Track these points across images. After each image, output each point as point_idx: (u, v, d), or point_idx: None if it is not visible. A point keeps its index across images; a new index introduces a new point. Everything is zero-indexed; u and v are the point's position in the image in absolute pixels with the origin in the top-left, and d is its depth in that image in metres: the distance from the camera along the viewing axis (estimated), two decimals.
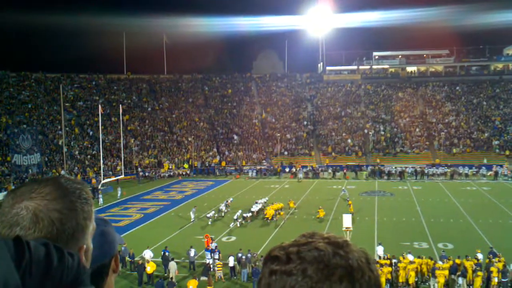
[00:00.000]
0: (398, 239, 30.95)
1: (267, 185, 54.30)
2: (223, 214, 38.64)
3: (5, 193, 47.94)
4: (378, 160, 66.34)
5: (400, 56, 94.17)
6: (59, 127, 64.64)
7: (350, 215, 30.91)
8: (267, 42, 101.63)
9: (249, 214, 37.35)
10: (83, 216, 1.20)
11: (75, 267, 0.68)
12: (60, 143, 62.39)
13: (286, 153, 71.28)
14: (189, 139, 72.30)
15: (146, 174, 62.35)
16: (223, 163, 68.17)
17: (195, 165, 67.40)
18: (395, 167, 61.47)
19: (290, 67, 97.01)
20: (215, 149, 71.79)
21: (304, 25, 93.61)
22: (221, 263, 25.99)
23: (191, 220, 37.20)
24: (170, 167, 65.74)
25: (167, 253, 26.75)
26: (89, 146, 66.31)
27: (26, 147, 58.87)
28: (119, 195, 48.29)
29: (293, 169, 62.85)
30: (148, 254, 27.04)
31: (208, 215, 37.23)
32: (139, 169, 62.95)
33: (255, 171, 63.92)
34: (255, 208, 38.65)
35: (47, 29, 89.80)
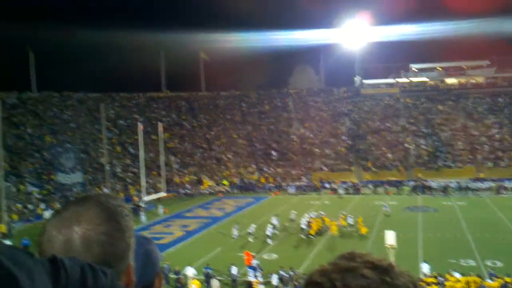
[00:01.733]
0: (444, 256, 30.21)
1: (307, 201, 53.97)
2: (277, 230, 38.39)
3: (50, 211, 49.13)
4: (420, 175, 65.08)
5: (439, 68, 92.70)
6: (101, 145, 65.96)
7: (394, 232, 30.41)
8: (303, 56, 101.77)
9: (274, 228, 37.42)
10: (129, 234, 1.22)
11: (109, 285, 0.69)
12: (102, 161, 63.62)
13: (325, 168, 70.81)
14: (228, 155, 72.69)
15: (187, 191, 62.88)
16: (262, 180, 68.20)
17: (235, 181, 67.64)
18: (438, 182, 60.23)
19: (327, 82, 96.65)
20: (254, 166, 71.94)
21: (340, 39, 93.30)
22: (260, 281, 25.88)
23: (233, 236, 37.24)
24: (210, 184, 66.15)
25: (209, 271, 26.84)
26: (131, 164, 67.43)
27: (69, 166, 60.36)
28: (161, 212, 48.80)
29: (333, 185, 62.36)
30: (190, 271, 27.15)
31: (250, 231, 37.19)
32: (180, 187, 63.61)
33: (294, 187, 63.69)
34: (303, 223, 38.43)
35: (87, 49, 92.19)
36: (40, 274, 0.56)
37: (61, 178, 57.86)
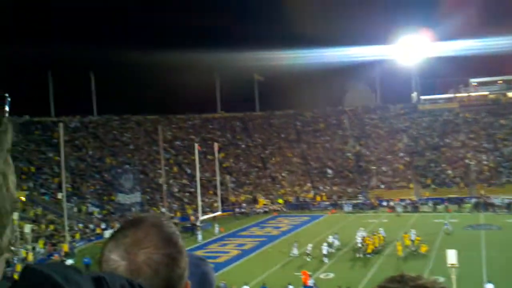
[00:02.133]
0: (510, 276, 28.81)
1: (364, 220, 52.92)
2: (333, 249, 37.91)
3: (110, 231, 50.40)
4: (482, 192, 62.64)
5: (500, 82, 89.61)
6: (158, 166, 67.31)
7: (455, 251, 29.28)
8: (358, 73, 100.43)
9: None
10: (185, 254, 1.24)
11: None
12: (160, 181, 64.86)
13: (382, 186, 69.42)
14: (283, 174, 72.58)
15: (242, 210, 63.13)
16: (318, 198, 67.60)
17: (290, 200, 67.36)
18: (502, 199, 57.73)
19: (383, 98, 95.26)
20: (309, 184, 71.48)
21: (395, 55, 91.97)
22: None
23: (291, 255, 36.87)
24: (265, 203, 66.15)
25: None
26: (187, 183, 68.46)
27: (128, 187, 61.93)
28: (216, 231, 49.06)
29: (391, 203, 60.99)
30: None
31: (307, 251, 36.76)
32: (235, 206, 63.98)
33: (351, 205, 62.71)
34: (358, 240, 37.78)
35: (145, 73, 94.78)
36: (77, 279, 0.59)
37: (121, 198, 59.41)
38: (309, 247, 37.43)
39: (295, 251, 37.09)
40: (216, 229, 49.44)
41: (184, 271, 1.23)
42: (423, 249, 35.68)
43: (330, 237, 39.79)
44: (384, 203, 62.10)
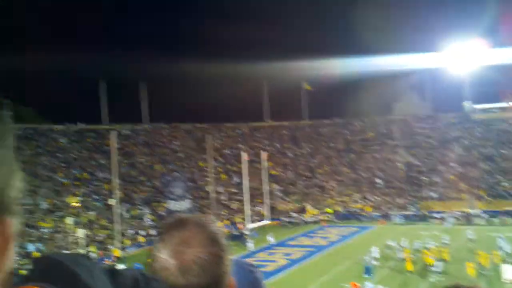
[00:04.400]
0: None
1: (415, 232, 51.68)
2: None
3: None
4: None
5: None
6: (207, 174, 67.97)
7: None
8: (408, 82, 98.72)
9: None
10: (228, 253, 1.31)
11: None
12: (208, 189, 65.46)
13: (434, 197, 67.71)
14: (332, 184, 71.92)
15: (290, 219, 62.86)
16: (367, 208, 66.59)
17: (338, 210, 66.62)
18: None
19: (434, 107, 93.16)
20: (358, 194, 70.56)
21: (447, 62, 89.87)
22: None
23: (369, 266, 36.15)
24: (313, 213, 65.65)
25: None
26: (235, 192, 68.78)
27: (177, 194, 62.81)
28: (271, 240, 48.72)
29: (443, 215, 59.34)
30: None
31: (371, 263, 36.01)
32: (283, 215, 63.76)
33: (401, 216, 61.42)
34: (399, 254, 36.93)
35: (194, 82, 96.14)
36: (99, 272, 0.63)
37: (171, 205, 60.30)
38: (375, 251, 36.76)
39: (366, 258, 36.27)
40: (271, 238, 49.10)
41: (228, 268, 1.29)
42: (483, 260, 34.50)
43: (374, 248, 38.95)
44: (436, 215, 60.50)
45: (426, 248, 38.24)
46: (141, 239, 51.10)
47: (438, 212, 61.14)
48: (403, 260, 36.22)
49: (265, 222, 55.95)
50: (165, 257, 1.24)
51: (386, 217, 62.75)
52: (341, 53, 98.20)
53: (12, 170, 0.56)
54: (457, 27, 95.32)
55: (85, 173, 63.41)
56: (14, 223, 0.56)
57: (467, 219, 57.69)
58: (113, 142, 54.16)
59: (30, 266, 0.61)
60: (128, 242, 48.61)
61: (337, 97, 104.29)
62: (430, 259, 35.28)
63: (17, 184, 0.56)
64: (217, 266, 1.25)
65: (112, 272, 0.69)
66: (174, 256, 1.23)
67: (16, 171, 0.57)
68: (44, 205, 52.90)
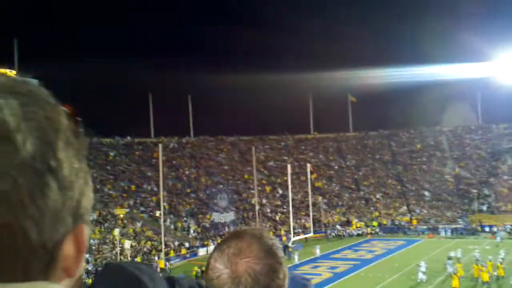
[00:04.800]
0: None
1: (464, 246, 50.09)
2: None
3: (205, 249, 51.63)
4: None
5: None
6: (251, 186, 68.14)
7: None
8: (457, 91, 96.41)
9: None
10: (285, 265, 1.32)
11: None
12: (252, 201, 65.57)
13: (484, 210, 65.56)
14: (377, 196, 70.81)
15: (335, 232, 62.17)
16: (414, 221, 65.11)
17: (384, 223, 65.41)
18: None
19: (485, 118, 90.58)
20: (404, 207, 69.15)
21: (498, 72, 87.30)
22: None
23: (418, 280, 35.39)
24: (358, 226, 64.72)
25: None
26: (280, 204, 68.67)
27: (222, 206, 63.20)
28: (317, 252, 48.23)
29: (494, 229, 57.34)
30: None
31: (420, 277, 35.21)
32: (328, 228, 63.15)
33: (449, 230, 59.72)
34: (450, 269, 35.77)
35: (239, 94, 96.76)
36: (160, 280, 0.66)
37: (215, 217, 60.70)
38: (423, 265, 36.14)
39: (421, 276, 35.45)
40: (318, 250, 48.61)
41: (283, 282, 1.30)
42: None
43: (423, 263, 37.89)
44: (487, 229, 58.51)
45: (478, 262, 36.78)
46: (185, 250, 51.61)
47: (489, 226, 59.12)
48: (455, 275, 34.91)
49: (309, 234, 55.50)
50: (219, 266, 1.28)
51: (433, 230, 61.10)
52: (389, 63, 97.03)
53: (87, 181, 0.60)
54: (509, 36, 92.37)
55: (133, 185, 64.73)
56: (87, 232, 0.61)
57: None
58: (160, 155, 55.07)
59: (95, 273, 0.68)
60: (173, 253, 49.16)
61: (383, 108, 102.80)
62: (486, 274, 34.01)
63: (90, 195, 0.60)
64: (270, 278, 1.26)
65: (171, 280, 0.73)
66: (228, 266, 1.27)
67: (89, 183, 0.61)
68: (93, 216, 54.27)
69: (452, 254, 40.34)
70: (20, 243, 0.51)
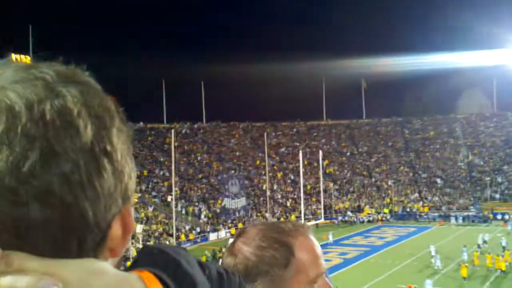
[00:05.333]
0: None
1: (476, 233, 49.84)
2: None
3: (216, 233, 52.05)
4: None
5: None
6: (263, 172, 68.26)
7: None
8: (472, 79, 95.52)
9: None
10: (272, 263, 1.32)
11: (237, 283, 0.85)
12: (264, 187, 65.74)
13: (498, 197, 65.07)
14: (389, 183, 70.57)
15: (345, 218, 62.17)
16: (426, 209, 64.87)
17: (396, 210, 65.27)
18: None
19: (500, 105, 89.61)
20: (416, 194, 68.87)
21: None
22: None
23: (435, 267, 35.12)
24: (370, 212, 64.65)
25: None
26: (291, 190, 68.72)
27: (234, 192, 63.40)
28: (330, 238, 48.20)
29: (506, 216, 56.94)
30: None
31: (438, 264, 35.00)
32: (339, 214, 63.16)
33: (461, 217, 59.42)
34: (464, 256, 35.46)
35: (251, 81, 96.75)
36: (195, 263, 0.71)
37: (226, 202, 60.94)
38: (433, 250, 36.25)
39: (438, 263, 35.19)
40: (331, 236, 48.56)
41: (259, 275, 1.31)
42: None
43: (432, 248, 37.75)
44: (499, 216, 58.13)
45: (505, 249, 36.39)
46: (195, 235, 51.92)
47: (501, 214, 58.72)
48: (464, 264, 34.60)
49: (320, 220, 55.52)
50: (228, 258, 1.35)
51: (445, 217, 60.84)
52: (403, 50, 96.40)
53: (133, 166, 0.64)
54: None
55: (145, 171, 65.13)
56: (133, 213, 0.65)
57: None
58: (172, 140, 55.30)
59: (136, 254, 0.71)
60: (184, 238, 49.54)
61: (397, 95, 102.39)
62: (503, 263, 33.49)
63: (135, 178, 0.65)
64: (268, 269, 1.29)
65: (201, 264, 0.77)
66: (232, 257, 1.34)
67: (134, 167, 0.65)
68: None
69: (480, 239, 40.15)
70: (78, 221, 0.54)
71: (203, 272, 0.73)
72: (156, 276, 0.62)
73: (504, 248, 36.67)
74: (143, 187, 60.84)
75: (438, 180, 71.17)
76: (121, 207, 0.61)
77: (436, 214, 62.69)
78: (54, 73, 0.55)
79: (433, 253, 36.71)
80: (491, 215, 58.75)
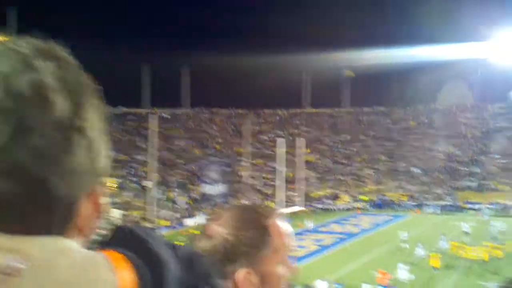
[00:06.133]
0: None
1: (451, 222, 50.59)
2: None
3: (193, 219, 52.12)
4: None
5: None
6: (243, 159, 68.39)
7: None
8: (453, 71, 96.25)
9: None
10: (250, 244, 1.33)
11: (209, 266, 0.83)
12: (244, 174, 65.88)
13: (472, 187, 66.03)
14: (368, 172, 71.14)
15: (324, 206, 62.62)
16: (403, 197, 65.62)
17: (373, 199, 65.92)
18: None
19: (480, 97, 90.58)
20: (395, 183, 69.57)
21: (495, 51, 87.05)
22: None
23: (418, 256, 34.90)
24: (349, 200, 65.20)
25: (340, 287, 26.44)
26: (270, 177, 68.92)
27: (213, 178, 63.49)
28: (311, 225, 48.47)
29: (481, 206, 57.86)
30: (321, 285, 26.82)
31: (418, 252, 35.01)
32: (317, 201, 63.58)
33: (437, 207, 60.25)
34: (443, 245, 35.70)
35: (234, 67, 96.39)
36: (164, 244, 0.71)
37: (205, 189, 61.01)
38: (405, 235, 36.82)
39: (421, 252, 34.92)
40: (311, 224, 48.84)
41: (238, 256, 1.31)
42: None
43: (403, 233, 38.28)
44: (473, 206, 59.05)
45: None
46: (172, 221, 51.94)
47: (475, 203, 59.62)
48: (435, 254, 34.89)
49: (297, 208, 55.90)
50: (201, 239, 1.36)
51: (421, 206, 61.65)
52: (387, 42, 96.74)
53: (107, 145, 0.63)
54: (505, 16, 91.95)
55: (124, 155, 64.83)
56: (104, 193, 0.64)
57: (506, 211, 56.10)
58: (153, 125, 55.06)
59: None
60: (162, 223, 49.57)
61: (379, 86, 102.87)
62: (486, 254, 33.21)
63: (109, 158, 0.64)
64: (226, 247, 1.31)
65: (172, 245, 0.76)
66: (205, 238, 1.35)
67: (109, 146, 0.64)
68: None
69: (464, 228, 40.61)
70: (47, 197, 0.54)
71: (174, 253, 0.72)
72: (124, 257, 0.61)
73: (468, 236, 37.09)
74: (122, 172, 60.59)
75: (416, 170, 71.93)
76: (93, 186, 0.60)
77: (414, 203, 63.48)
78: (31, 47, 0.55)
79: (405, 239, 37.20)
80: (465, 205, 59.68)
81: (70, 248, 0.55)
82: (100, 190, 0.63)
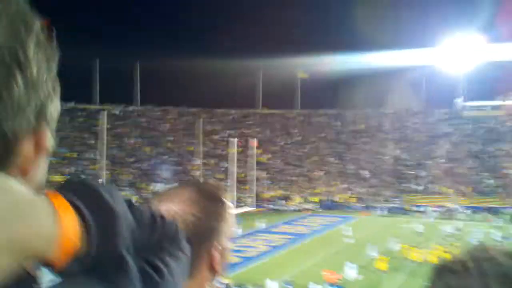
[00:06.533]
0: None
1: (398, 224, 51.99)
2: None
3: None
4: None
5: None
6: (196, 158, 68.06)
7: None
8: (402, 76, 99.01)
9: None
10: (216, 219, 1.31)
11: (174, 228, 0.79)
12: (196, 174, 65.58)
13: (418, 190, 68.14)
14: (319, 174, 72.14)
15: (275, 207, 63.09)
16: (352, 199, 66.95)
17: (324, 200, 66.92)
18: None
19: (427, 103, 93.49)
20: (344, 185, 70.87)
21: (442, 58, 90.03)
22: None
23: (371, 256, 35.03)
24: (299, 201, 65.94)
25: (289, 287, 26.68)
26: (222, 177, 68.87)
27: (165, 177, 62.92)
28: (263, 226, 48.73)
29: (427, 209, 59.76)
30: (272, 285, 27.03)
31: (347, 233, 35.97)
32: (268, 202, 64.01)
33: (385, 209, 61.83)
34: (393, 246, 36.56)
35: (188, 66, 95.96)
36: (119, 197, 0.66)
37: (156, 188, 60.38)
38: (349, 231, 38.27)
39: (373, 253, 35.18)
40: (263, 224, 49.12)
41: (207, 233, 1.29)
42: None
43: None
44: (419, 209, 60.93)
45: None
46: None
47: (420, 206, 61.52)
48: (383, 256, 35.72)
49: (248, 208, 56.14)
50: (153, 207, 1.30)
51: (370, 208, 63.11)
52: (338, 48, 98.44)
53: (56, 90, 0.62)
54: (453, 23, 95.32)
55: (74, 153, 63.39)
56: (49, 137, 0.61)
57: (450, 214, 58.09)
58: (103, 122, 54.10)
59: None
60: None
61: (331, 89, 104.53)
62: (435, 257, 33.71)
63: (57, 105, 0.62)
64: (189, 225, 1.26)
65: (130, 203, 0.71)
66: (157, 207, 1.28)
67: (58, 93, 0.62)
68: None
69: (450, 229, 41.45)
70: None
71: (133, 213, 0.68)
72: (70, 204, 0.57)
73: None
74: (71, 170, 59.22)
75: (365, 172, 73.51)
76: (35, 126, 0.58)
77: (362, 205, 64.88)
78: None
79: (348, 234, 38.19)
80: (410, 208, 61.51)
81: (10, 186, 0.52)
82: (45, 132, 0.60)
